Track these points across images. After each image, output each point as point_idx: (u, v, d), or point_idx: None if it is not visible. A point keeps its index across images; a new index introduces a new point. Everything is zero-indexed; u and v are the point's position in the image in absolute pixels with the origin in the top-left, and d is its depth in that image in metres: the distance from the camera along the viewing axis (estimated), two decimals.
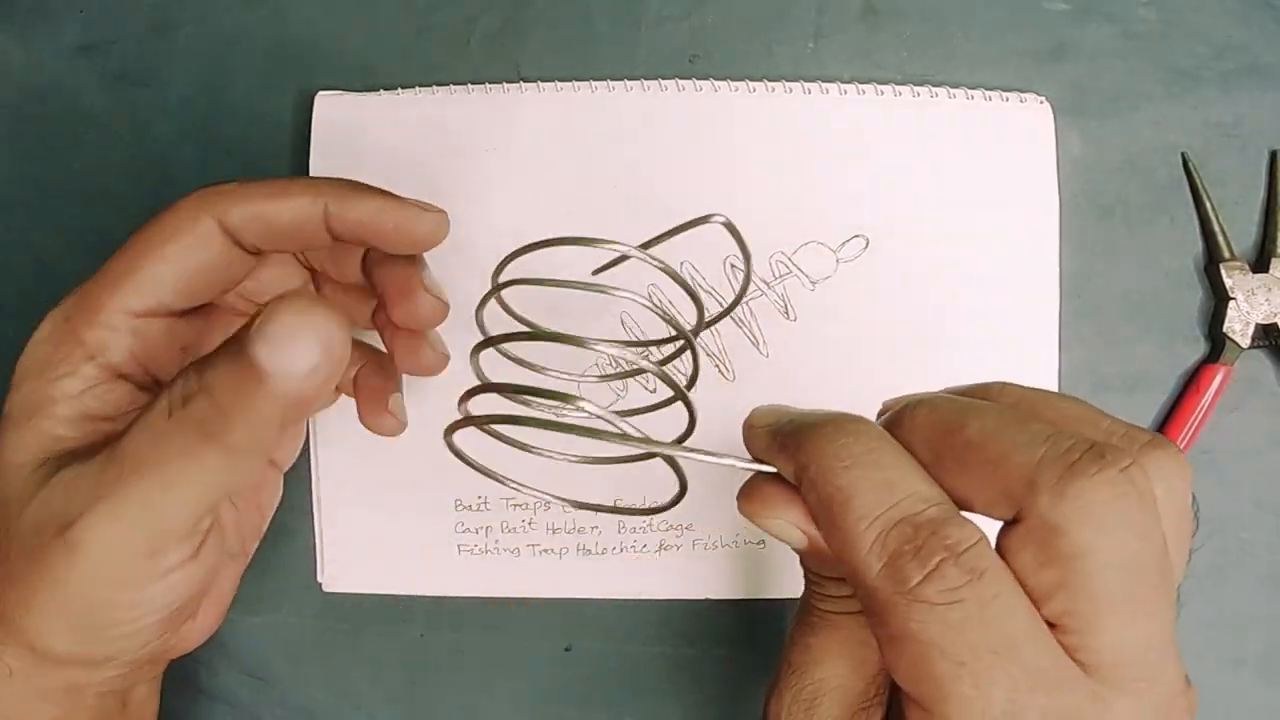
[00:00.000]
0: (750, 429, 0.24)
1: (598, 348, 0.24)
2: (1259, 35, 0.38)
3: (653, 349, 0.34)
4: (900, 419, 0.22)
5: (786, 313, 0.36)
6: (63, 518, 0.24)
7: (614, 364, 0.36)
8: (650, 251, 0.25)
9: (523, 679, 0.37)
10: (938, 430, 0.21)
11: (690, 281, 0.28)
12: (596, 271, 0.31)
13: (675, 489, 0.26)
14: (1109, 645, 0.18)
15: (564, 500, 0.29)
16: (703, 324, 0.29)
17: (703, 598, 0.37)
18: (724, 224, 0.26)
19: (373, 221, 0.28)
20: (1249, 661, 0.37)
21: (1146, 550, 0.18)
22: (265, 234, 0.28)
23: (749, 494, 0.24)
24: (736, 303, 0.31)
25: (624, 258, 0.26)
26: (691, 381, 0.29)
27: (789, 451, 0.22)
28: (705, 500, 0.36)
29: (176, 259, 0.27)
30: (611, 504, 0.36)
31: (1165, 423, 0.37)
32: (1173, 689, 0.19)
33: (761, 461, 0.24)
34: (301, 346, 0.22)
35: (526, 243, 0.26)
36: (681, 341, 0.28)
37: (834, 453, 0.20)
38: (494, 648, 0.37)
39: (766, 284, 0.36)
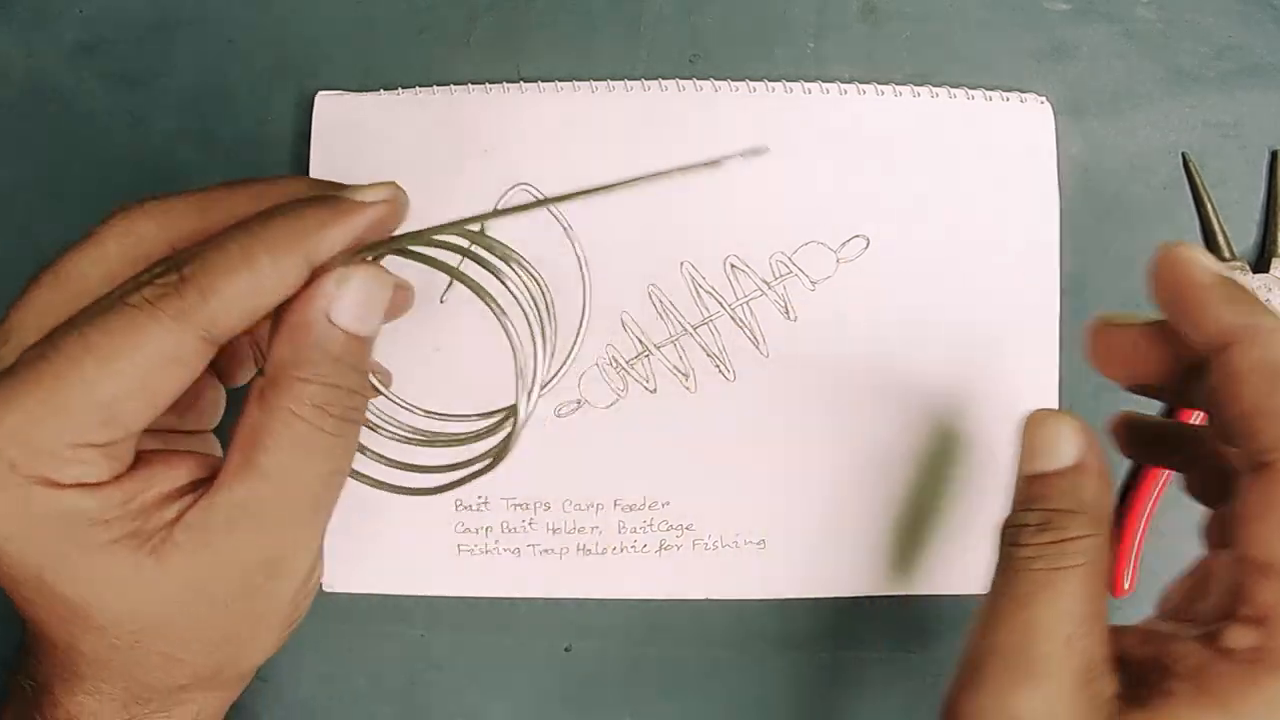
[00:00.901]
0: (1177, 259, 0.23)
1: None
2: (1259, 35, 0.38)
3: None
4: None
5: (786, 313, 0.36)
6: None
7: (609, 358, 0.36)
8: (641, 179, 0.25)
9: (523, 679, 0.37)
10: None
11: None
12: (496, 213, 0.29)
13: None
14: None
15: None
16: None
17: (703, 598, 0.37)
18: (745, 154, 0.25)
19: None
20: None
21: None
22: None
23: (1104, 340, 0.25)
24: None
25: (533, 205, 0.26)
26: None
27: (1241, 307, 0.22)
28: (705, 500, 0.36)
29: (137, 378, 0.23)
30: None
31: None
32: None
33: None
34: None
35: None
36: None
37: None
38: (494, 648, 0.37)
39: (766, 284, 0.36)
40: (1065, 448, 0.25)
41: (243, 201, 0.26)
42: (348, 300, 0.24)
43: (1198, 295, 0.23)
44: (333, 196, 0.25)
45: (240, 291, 0.23)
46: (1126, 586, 0.36)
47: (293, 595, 0.26)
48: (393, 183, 0.26)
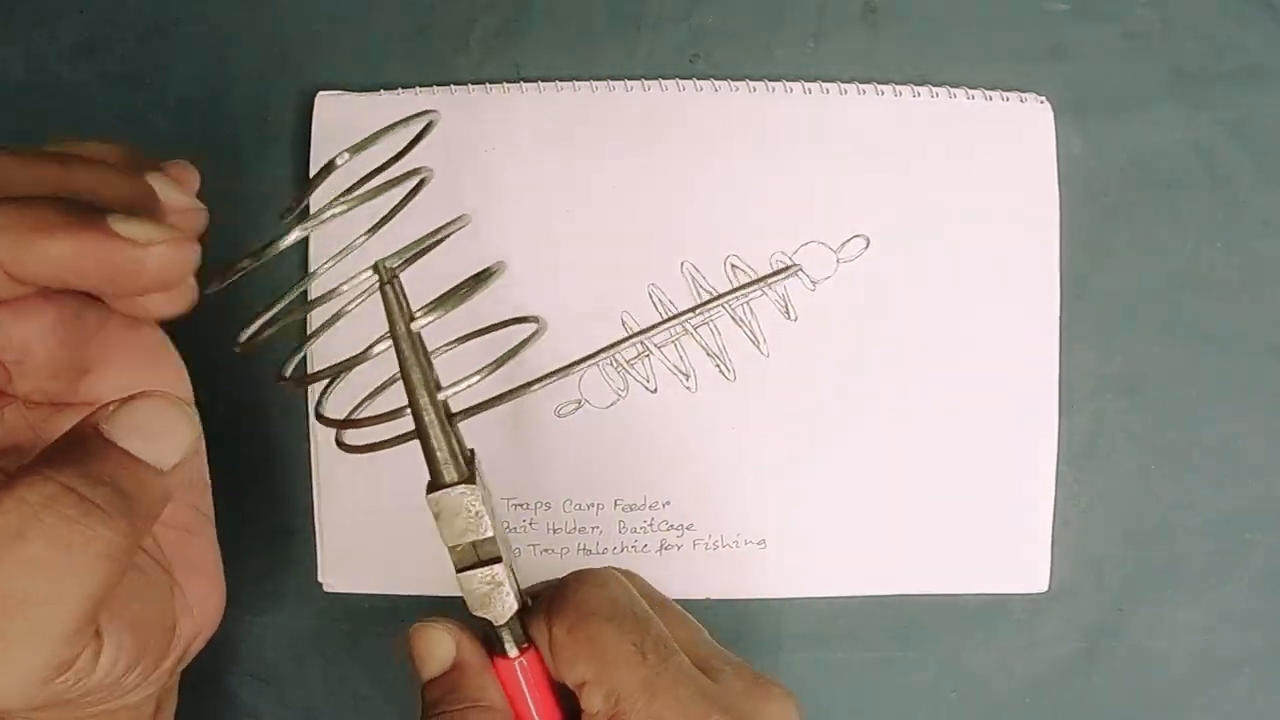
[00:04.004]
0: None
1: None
2: (1259, 35, 0.38)
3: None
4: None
5: (787, 313, 0.36)
6: None
7: (613, 362, 0.36)
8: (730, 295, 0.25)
9: None
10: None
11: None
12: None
13: None
14: None
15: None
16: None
17: (703, 597, 0.37)
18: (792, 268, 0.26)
19: (69, 271, 0.22)
20: (1249, 661, 0.37)
21: None
22: None
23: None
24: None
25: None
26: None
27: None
28: (705, 500, 0.36)
29: None
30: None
31: None
32: None
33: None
34: (175, 436, 0.22)
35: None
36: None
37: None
38: None
39: (767, 284, 0.36)
40: (441, 653, 0.26)
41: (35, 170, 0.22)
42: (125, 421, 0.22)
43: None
44: (88, 212, 0.22)
45: None
46: None
47: None
48: (176, 232, 0.23)
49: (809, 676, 0.37)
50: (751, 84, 0.37)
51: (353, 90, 0.37)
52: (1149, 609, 0.37)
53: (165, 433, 0.22)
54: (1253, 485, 0.37)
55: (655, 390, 0.36)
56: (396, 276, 0.25)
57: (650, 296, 0.36)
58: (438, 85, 0.37)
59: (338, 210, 0.23)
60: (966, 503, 0.36)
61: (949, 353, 0.36)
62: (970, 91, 0.37)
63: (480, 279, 0.25)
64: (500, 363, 0.25)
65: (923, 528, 0.36)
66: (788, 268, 0.24)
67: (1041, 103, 0.37)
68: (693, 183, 0.36)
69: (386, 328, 0.24)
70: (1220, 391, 0.37)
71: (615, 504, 0.36)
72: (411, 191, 0.27)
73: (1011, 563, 0.37)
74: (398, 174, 0.25)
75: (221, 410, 0.37)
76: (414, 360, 0.24)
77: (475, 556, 0.26)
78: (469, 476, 0.25)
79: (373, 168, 0.27)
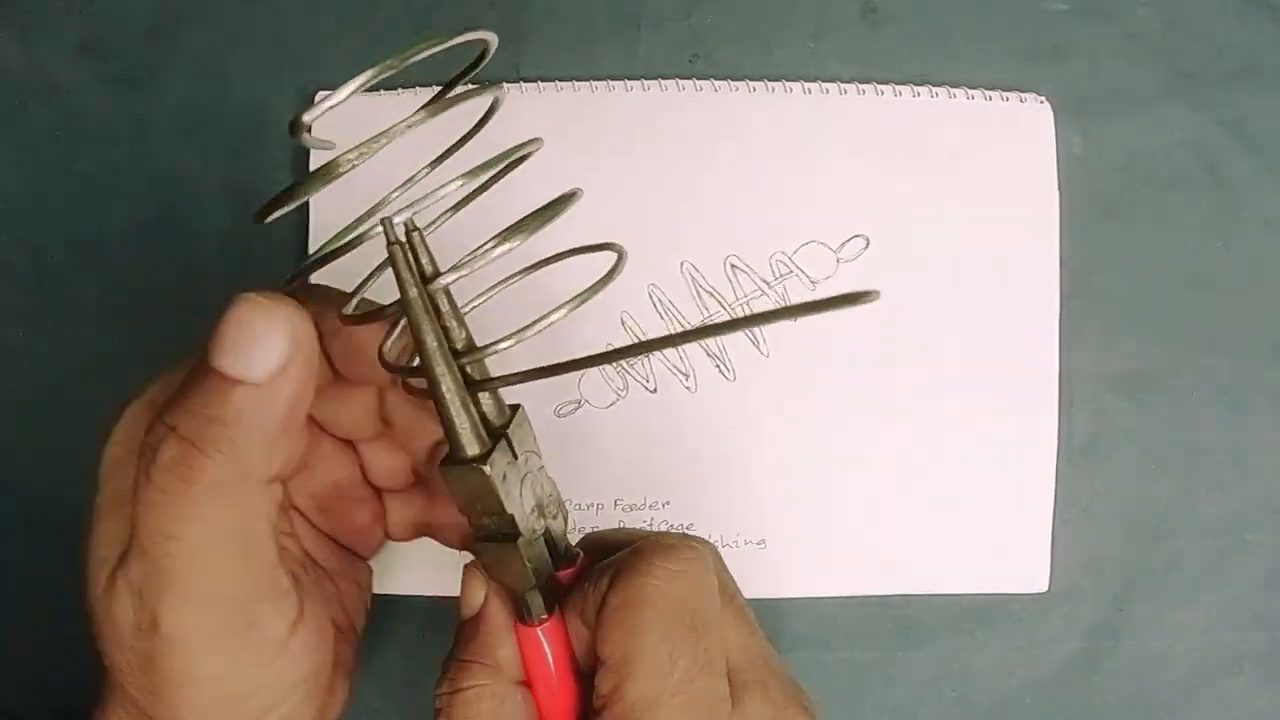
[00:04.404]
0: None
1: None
2: (1259, 35, 0.38)
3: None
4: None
5: None
6: (149, 622, 0.22)
7: (617, 369, 0.36)
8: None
9: None
10: None
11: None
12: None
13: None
14: None
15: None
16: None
17: None
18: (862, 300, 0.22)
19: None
20: (1249, 661, 0.37)
21: None
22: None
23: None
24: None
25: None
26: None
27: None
28: (705, 500, 0.36)
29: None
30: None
31: None
32: None
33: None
34: (265, 345, 0.21)
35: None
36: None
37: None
38: None
39: (767, 284, 0.36)
40: (472, 599, 0.26)
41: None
42: (221, 334, 0.22)
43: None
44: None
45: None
46: None
47: None
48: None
49: (809, 676, 0.37)
50: (751, 84, 0.37)
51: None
52: (1149, 609, 0.37)
53: (252, 343, 0.21)
54: (1253, 485, 0.37)
55: (655, 390, 0.36)
56: (418, 231, 0.23)
57: (650, 296, 0.36)
58: (438, 85, 0.36)
59: (451, 198, 0.23)
60: (966, 503, 0.36)
61: (949, 353, 0.36)
62: (970, 91, 0.37)
63: (523, 227, 0.23)
64: (531, 329, 0.23)
65: (923, 527, 0.36)
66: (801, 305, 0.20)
67: (1041, 103, 0.37)
68: (692, 183, 0.36)
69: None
70: (1220, 391, 0.37)
71: (615, 504, 0.36)
72: (508, 166, 0.25)
73: (1011, 563, 0.37)
74: (507, 153, 0.24)
75: None
76: (428, 326, 0.22)
77: (490, 529, 0.24)
78: (484, 453, 0.23)
79: (375, 169, 0.26)
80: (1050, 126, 0.37)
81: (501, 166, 0.25)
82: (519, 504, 0.24)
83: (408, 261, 0.23)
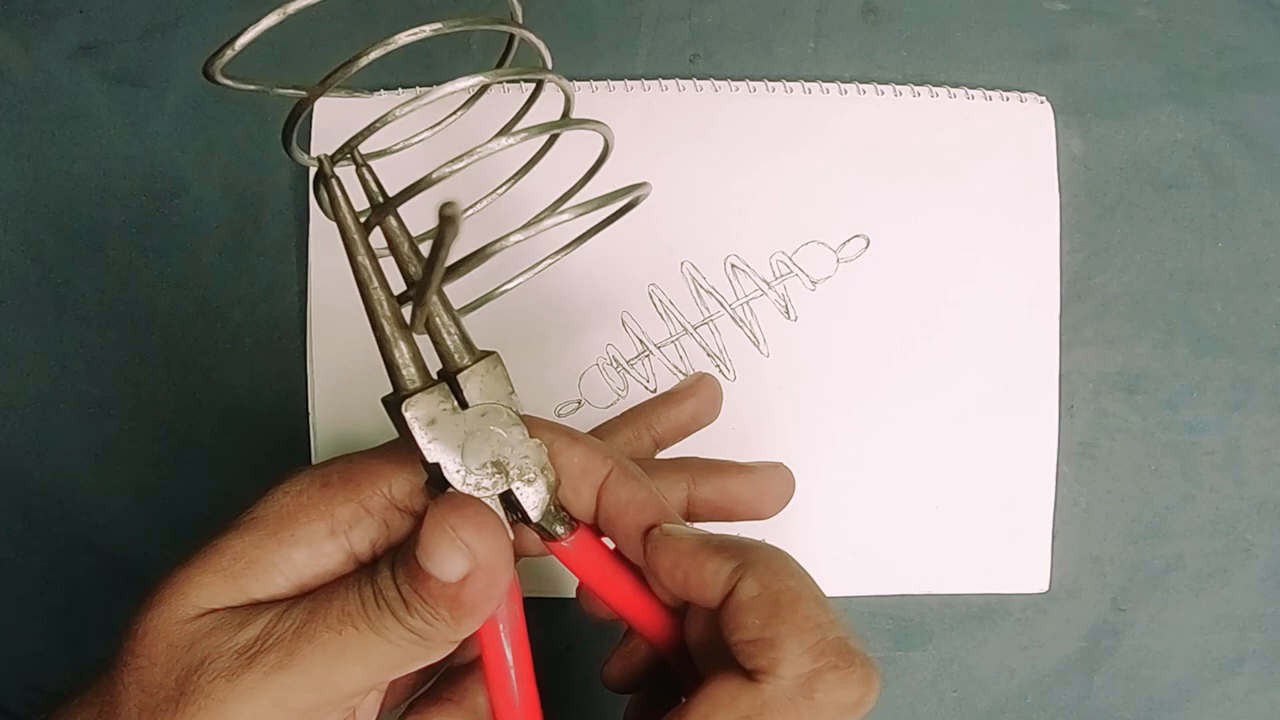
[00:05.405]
0: (668, 535, 0.26)
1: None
2: (1259, 35, 0.38)
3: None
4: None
5: (787, 313, 0.36)
6: (232, 663, 0.23)
7: (611, 360, 0.36)
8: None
9: None
10: None
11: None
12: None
13: None
14: None
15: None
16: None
17: None
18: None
19: (724, 499, 0.29)
20: (1249, 661, 0.37)
21: None
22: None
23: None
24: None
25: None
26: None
27: (729, 552, 0.25)
28: None
29: None
30: None
31: None
32: None
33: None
34: (451, 557, 0.23)
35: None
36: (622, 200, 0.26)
37: (783, 562, 0.25)
38: None
39: (767, 284, 0.36)
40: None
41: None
42: (428, 542, 0.23)
43: (692, 563, 0.25)
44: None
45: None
46: None
47: None
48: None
49: None
50: (751, 84, 0.37)
51: (353, 90, 0.36)
52: (1149, 609, 0.37)
53: (440, 552, 0.23)
54: (1253, 485, 0.37)
55: (655, 390, 0.36)
56: (367, 166, 0.25)
57: (650, 296, 0.36)
58: (438, 85, 0.36)
59: (564, 218, 0.24)
60: (967, 503, 0.36)
61: (949, 353, 0.36)
62: (970, 91, 0.37)
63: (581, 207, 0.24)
64: (482, 254, 0.23)
65: (923, 528, 0.36)
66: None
67: (1041, 103, 0.37)
68: (693, 182, 0.36)
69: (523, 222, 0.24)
70: (1220, 391, 0.37)
71: None
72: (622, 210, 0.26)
73: (1011, 563, 0.37)
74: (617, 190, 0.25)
75: (221, 410, 0.37)
76: (364, 260, 0.24)
77: (429, 476, 0.24)
78: (408, 393, 0.23)
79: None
80: (1050, 126, 0.37)
81: (617, 207, 0.26)
82: (452, 455, 0.24)
83: (344, 196, 0.24)
